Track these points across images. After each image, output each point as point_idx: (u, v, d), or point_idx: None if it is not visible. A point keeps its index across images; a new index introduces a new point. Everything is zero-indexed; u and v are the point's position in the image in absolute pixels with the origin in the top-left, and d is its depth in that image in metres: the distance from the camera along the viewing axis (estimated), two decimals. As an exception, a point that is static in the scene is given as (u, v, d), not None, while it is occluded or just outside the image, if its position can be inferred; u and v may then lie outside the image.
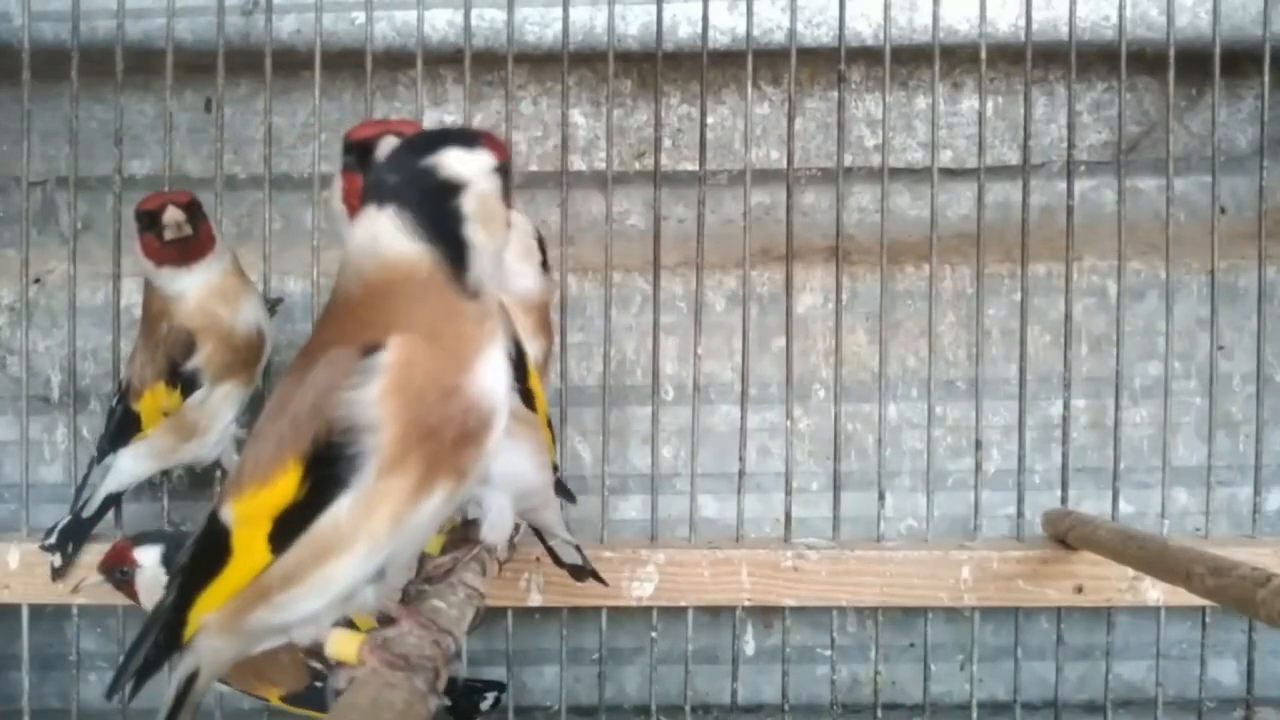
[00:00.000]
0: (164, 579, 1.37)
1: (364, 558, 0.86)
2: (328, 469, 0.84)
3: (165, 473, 1.68)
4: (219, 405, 1.56)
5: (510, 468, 1.14)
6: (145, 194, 1.50)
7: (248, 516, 0.87)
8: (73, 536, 1.60)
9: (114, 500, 1.62)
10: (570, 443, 1.82)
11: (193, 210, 1.50)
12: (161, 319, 1.54)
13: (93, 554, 1.57)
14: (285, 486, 0.85)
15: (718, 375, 1.87)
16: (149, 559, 1.43)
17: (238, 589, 0.89)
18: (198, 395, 1.54)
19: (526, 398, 1.15)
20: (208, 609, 0.91)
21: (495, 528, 1.16)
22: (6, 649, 1.80)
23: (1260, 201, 1.71)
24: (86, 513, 1.60)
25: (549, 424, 1.31)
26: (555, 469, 1.29)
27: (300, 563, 0.86)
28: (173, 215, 1.47)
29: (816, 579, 1.65)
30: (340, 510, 0.84)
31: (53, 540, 1.60)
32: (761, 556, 1.65)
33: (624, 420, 1.86)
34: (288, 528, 0.86)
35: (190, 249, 1.50)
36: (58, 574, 1.60)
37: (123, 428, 1.58)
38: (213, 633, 0.93)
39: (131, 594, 1.45)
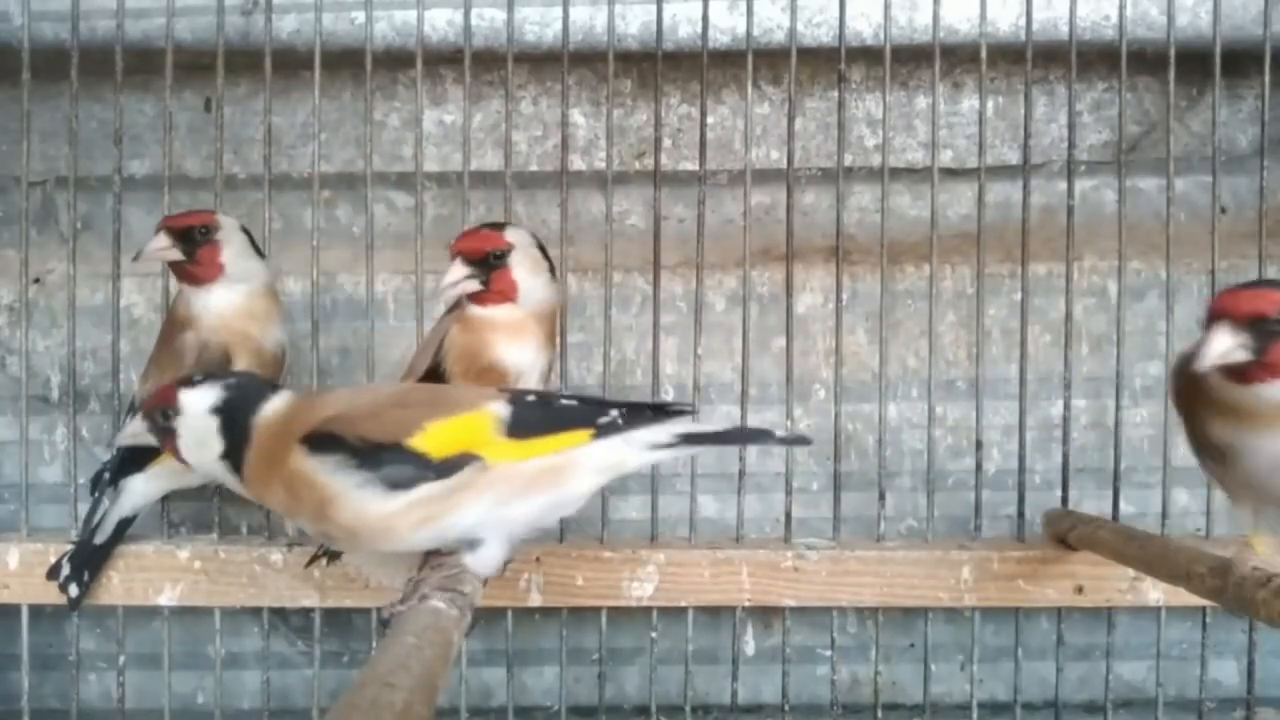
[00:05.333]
0: (216, 432, 1.14)
1: None
2: None
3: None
4: None
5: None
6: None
7: None
8: (87, 565, 1.59)
9: (127, 524, 1.61)
10: (570, 443, 1.82)
11: (190, 236, 1.51)
12: (186, 329, 1.54)
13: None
14: None
15: (718, 375, 1.87)
16: (196, 404, 1.16)
17: None
18: None
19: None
20: None
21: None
22: (6, 649, 1.80)
23: (1260, 201, 1.70)
24: (99, 539, 1.59)
25: None
26: None
27: None
28: (155, 243, 1.50)
29: (816, 579, 1.64)
30: None
31: (66, 573, 1.59)
32: (761, 556, 1.65)
33: (624, 420, 1.85)
34: None
35: (192, 273, 1.52)
36: (76, 604, 1.59)
37: (138, 453, 1.54)
38: None
39: (172, 446, 1.18)
